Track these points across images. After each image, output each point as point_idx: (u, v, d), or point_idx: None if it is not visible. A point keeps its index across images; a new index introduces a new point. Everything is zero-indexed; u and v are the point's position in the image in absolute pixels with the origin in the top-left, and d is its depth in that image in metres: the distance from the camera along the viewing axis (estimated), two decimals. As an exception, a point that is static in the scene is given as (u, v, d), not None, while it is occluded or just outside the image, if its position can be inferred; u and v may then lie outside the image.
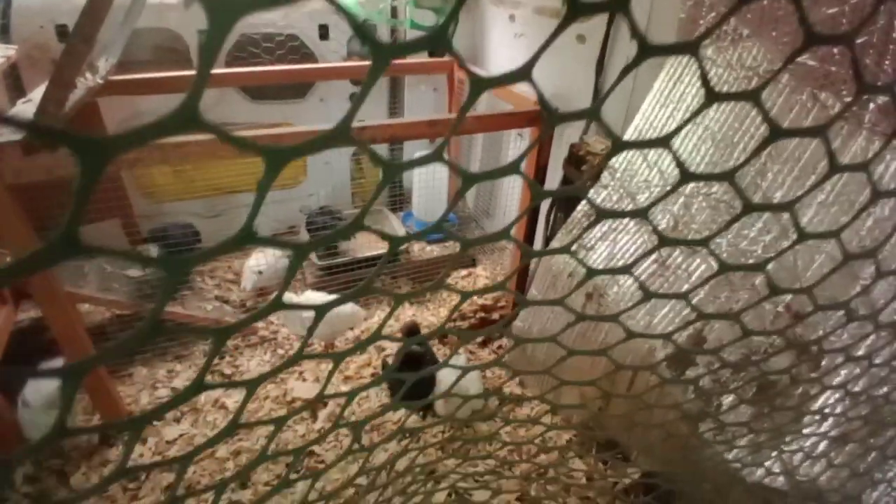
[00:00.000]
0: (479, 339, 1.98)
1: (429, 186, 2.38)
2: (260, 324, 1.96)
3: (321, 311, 0.43)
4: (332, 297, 0.43)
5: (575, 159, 1.62)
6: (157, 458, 1.44)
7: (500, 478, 1.36)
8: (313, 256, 2.09)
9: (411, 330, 1.76)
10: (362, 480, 1.35)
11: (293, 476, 1.37)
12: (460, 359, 1.78)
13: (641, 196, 1.42)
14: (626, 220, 1.40)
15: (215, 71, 1.90)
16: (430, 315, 2.06)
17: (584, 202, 1.48)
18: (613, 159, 1.47)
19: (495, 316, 2.03)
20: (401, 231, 2.28)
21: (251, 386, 0.45)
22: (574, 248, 1.38)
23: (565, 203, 1.70)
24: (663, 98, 1.42)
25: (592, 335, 1.39)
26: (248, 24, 2.04)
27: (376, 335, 0.53)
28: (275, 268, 2.10)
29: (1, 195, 1.10)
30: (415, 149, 2.54)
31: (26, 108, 1.24)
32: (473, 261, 2.40)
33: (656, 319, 1.29)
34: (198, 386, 0.39)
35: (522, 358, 1.70)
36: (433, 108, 2.46)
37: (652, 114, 1.42)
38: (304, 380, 1.69)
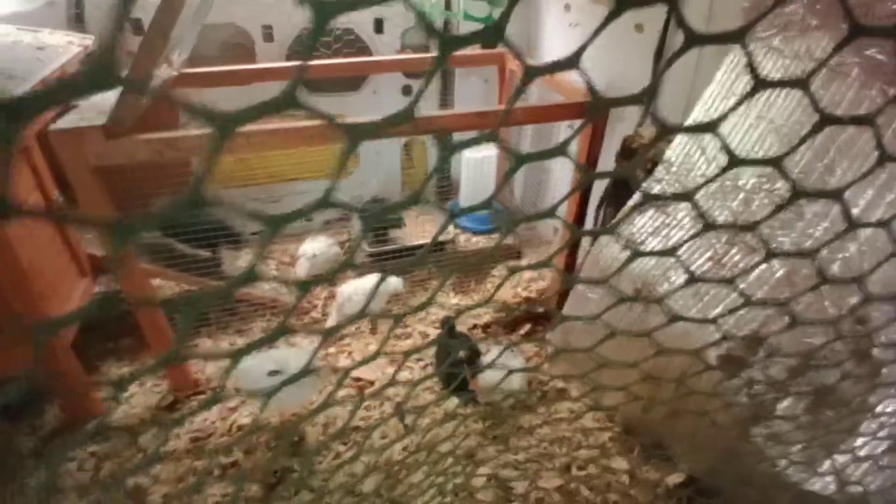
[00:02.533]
0: (523, 332, 1.98)
1: (476, 177, 2.39)
2: (307, 306, 2.05)
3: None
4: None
5: (628, 152, 1.58)
6: (225, 421, 1.56)
7: (540, 468, 1.38)
8: (363, 243, 2.16)
9: (451, 327, 1.78)
10: (403, 456, 1.40)
11: (341, 447, 1.44)
12: (512, 357, 1.78)
13: (699, 192, 1.37)
14: (679, 216, 1.36)
15: (277, 65, 2.00)
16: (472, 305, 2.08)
17: (636, 196, 1.45)
18: (670, 153, 1.42)
19: (540, 310, 2.02)
20: (449, 227, 2.30)
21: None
22: (623, 242, 1.35)
23: (615, 199, 1.67)
24: (724, 89, 1.37)
25: (642, 327, 1.37)
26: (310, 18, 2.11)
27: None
28: (327, 254, 2.18)
29: (85, 177, 1.21)
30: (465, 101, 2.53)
31: (106, 96, 1.35)
32: (519, 254, 2.40)
33: (706, 315, 1.25)
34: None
35: (565, 355, 1.69)
36: (483, 100, 2.46)
37: (712, 105, 1.36)
38: (353, 359, 1.76)
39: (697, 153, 1.39)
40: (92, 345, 1.81)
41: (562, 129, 2.16)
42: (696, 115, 1.38)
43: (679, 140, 1.41)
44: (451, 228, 2.27)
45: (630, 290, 1.39)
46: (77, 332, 1.52)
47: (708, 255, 1.29)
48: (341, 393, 1.64)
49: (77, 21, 1.84)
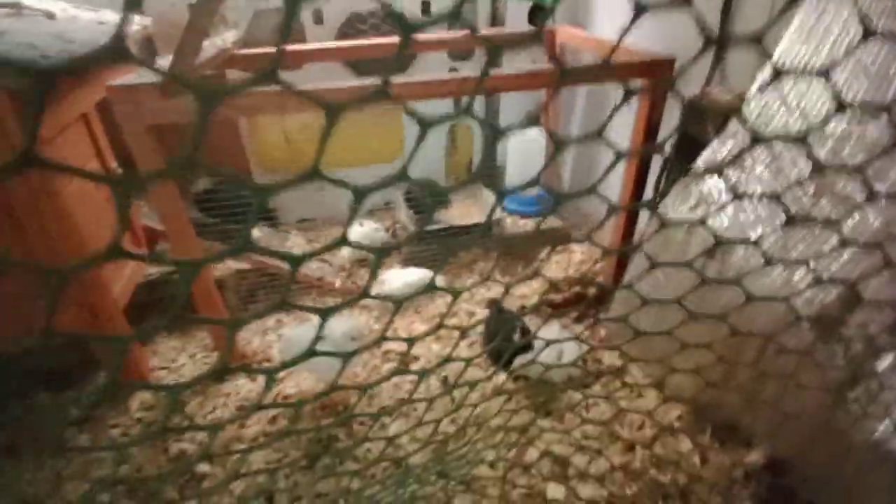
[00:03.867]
0: (575, 314, 1.87)
1: (523, 159, 2.32)
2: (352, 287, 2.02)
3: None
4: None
5: (696, 112, 1.47)
6: (272, 391, 1.53)
7: (600, 446, 1.27)
8: (407, 222, 2.13)
9: (499, 308, 1.71)
10: (452, 429, 1.32)
11: (386, 418, 1.38)
12: (553, 328, 1.70)
13: (780, 146, 1.25)
14: (758, 170, 1.24)
15: (327, 45, 2.01)
16: (522, 286, 2.00)
17: (705, 153, 1.34)
18: (744, 106, 1.31)
19: (593, 292, 1.92)
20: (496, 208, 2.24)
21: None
22: (695, 204, 1.24)
23: (679, 163, 1.55)
24: (805, 33, 1.25)
25: (711, 298, 1.25)
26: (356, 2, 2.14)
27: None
28: (371, 238, 2.16)
29: (141, 135, 1.23)
30: (513, 105, 2.47)
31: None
32: (569, 238, 2.29)
33: (797, 277, 1.12)
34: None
35: (624, 328, 1.57)
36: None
37: (791, 50, 1.24)
38: (397, 334, 1.71)
39: (777, 104, 1.27)
40: (145, 318, 1.85)
41: (612, 100, 2.07)
42: (775, 63, 1.26)
43: (755, 90, 1.30)
44: (497, 210, 2.20)
45: (702, 255, 1.27)
46: (130, 304, 1.54)
47: (793, 210, 1.16)
48: (387, 366, 1.59)
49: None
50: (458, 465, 1.22)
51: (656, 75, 1.47)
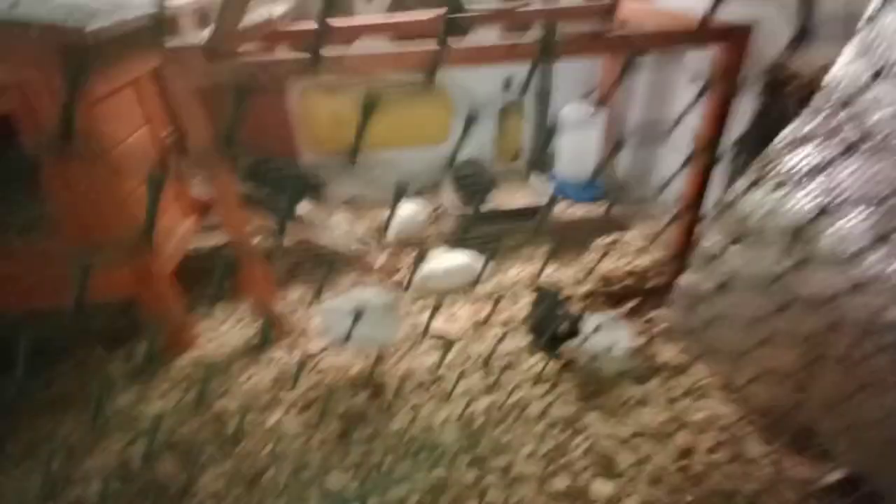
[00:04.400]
0: (627, 308, 1.75)
1: (577, 144, 2.20)
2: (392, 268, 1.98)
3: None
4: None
5: (776, 86, 1.32)
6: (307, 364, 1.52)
7: (654, 446, 1.16)
8: (452, 205, 2.06)
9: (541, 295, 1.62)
10: (492, 414, 1.25)
11: (418, 399, 1.32)
12: (605, 320, 1.58)
13: (873, 116, 1.09)
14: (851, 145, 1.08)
15: (377, 19, 1.98)
16: (569, 271, 1.89)
17: (786, 131, 1.19)
18: (830, 76, 1.15)
19: (649, 286, 1.78)
20: (544, 191, 2.14)
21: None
22: (774, 183, 1.11)
23: (755, 144, 1.40)
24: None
25: (794, 286, 1.11)
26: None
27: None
28: (413, 218, 2.12)
29: (188, 96, 1.22)
30: (567, 87, 2.35)
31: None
32: (625, 228, 2.15)
33: (893, 266, 0.97)
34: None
35: (689, 321, 1.44)
36: (589, 61, 2.26)
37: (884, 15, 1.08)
38: (437, 317, 1.65)
39: (867, 73, 1.11)
40: (191, 287, 1.88)
41: (679, 81, 1.92)
42: (863, 32, 1.10)
43: (843, 62, 1.14)
44: (545, 195, 2.10)
45: (780, 243, 1.13)
46: (177, 273, 1.57)
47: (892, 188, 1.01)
48: (424, 346, 1.53)
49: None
50: (494, 452, 1.15)
51: (733, 43, 1.33)
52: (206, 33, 1.23)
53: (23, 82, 1.12)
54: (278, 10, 1.76)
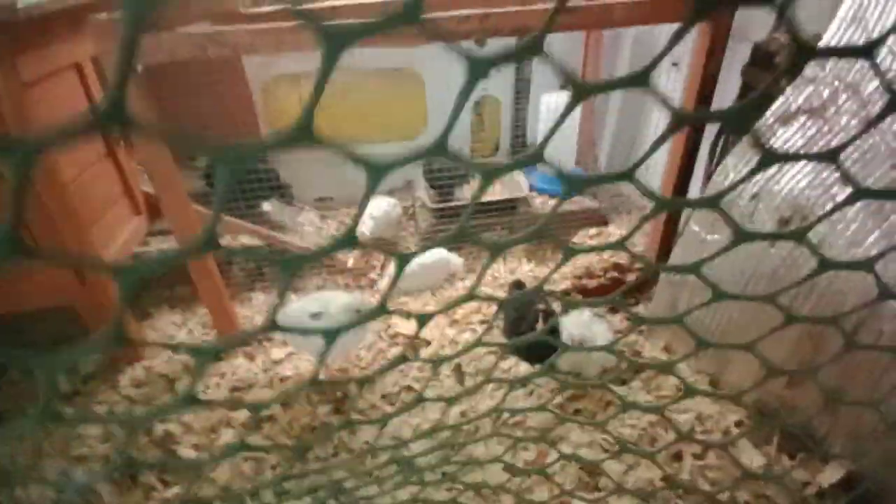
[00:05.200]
0: (609, 304, 1.65)
1: (556, 135, 2.10)
2: (365, 267, 1.87)
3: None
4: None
5: (762, 59, 1.24)
6: (267, 373, 1.40)
7: (639, 452, 1.06)
8: (427, 199, 1.96)
9: (518, 287, 1.52)
10: (463, 423, 1.14)
11: (388, 408, 1.21)
12: (584, 314, 1.49)
13: (868, 86, 1.01)
14: (843, 120, 1.00)
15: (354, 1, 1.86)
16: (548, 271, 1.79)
17: (776, 104, 1.10)
18: (823, 44, 1.07)
19: (631, 278, 1.69)
20: (523, 184, 2.04)
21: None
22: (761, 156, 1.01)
23: (742, 121, 1.32)
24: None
25: (787, 276, 1.02)
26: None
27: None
28: (389, 215, 2.01)
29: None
30: (546, 74, 2.25)
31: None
32: (605, 221, 2.07)
33: (891, 247, 0.88)
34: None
35: (672, 315, 1.34)
36: (567, 37, 2.17)
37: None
38: (410, 319, 1.54)
39: (862, 39, 1.02)
40: (147, 292, 1.75)
41: (663, 68, 1.83)
42: None
43: (835, 28, 1.06)
44: (524, 188, 2.00)
45: (772, 223, 1.05)
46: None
47: (889, 163, 0.92)
48: (393, 351, 1.42)
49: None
50: (467, 468, 1.04)
51: (714, 16, 1.24)
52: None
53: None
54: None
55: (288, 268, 0.35)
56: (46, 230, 1.20)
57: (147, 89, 1.18)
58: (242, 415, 1.27)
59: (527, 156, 0.38)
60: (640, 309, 1.59)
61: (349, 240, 0.37)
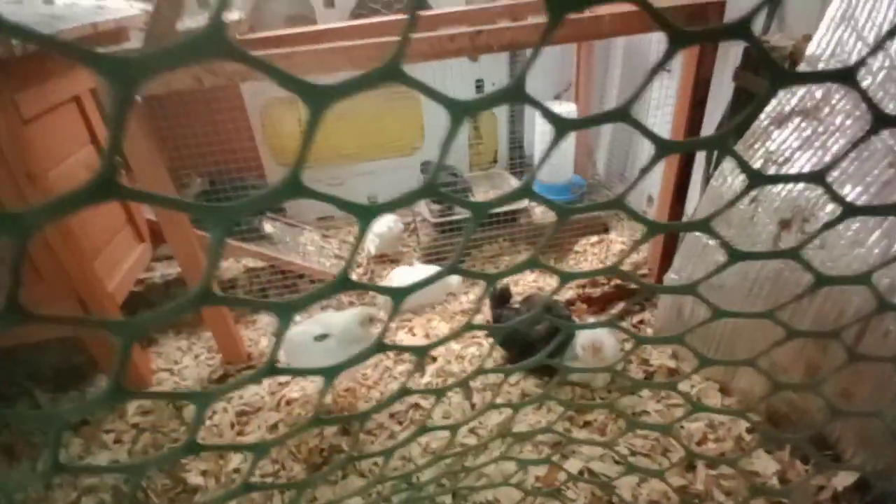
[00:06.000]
0: (615, 310, 1.64)
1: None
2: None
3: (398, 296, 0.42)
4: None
5: (754, 62, 1.24)
6: (274, 396, 1.39)
7: (652, 464, 1.04)
8: (427, 213, 1.96)
9: (503, 296, 1.49)
10: (471, 440, 1.13)
11: (396, 427, 1.20)
12: (606, 335, 1.47)
13: (862, 84, 1.01)
14: (838, 120, 1.00)
15: (338, 25, 1.89)
16: (552, 280, 1.79)
17: (770, 107, 1.11)
18: (814, 46, 1.07)
19: (634, 286, 1.68)
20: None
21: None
22: (759, 164, 1.02)
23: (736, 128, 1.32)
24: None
25: (790, 278, 1.01)
26: (369, -20, 2.01)
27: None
28: (392, 232, 2.01)
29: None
30: (538, 67, 2.26)
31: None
32: (606, 228, 2.07)
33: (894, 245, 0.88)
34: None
35: (677, 323, 1.34)
36: (560, 59, 2.20)
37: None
38: (414, 334, 1.54)
39: (852, 39, 1.03)
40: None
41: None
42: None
43: (824, 28, 1.06)
44: (525, 199, 2.00)
45: (773, 226, 1.04)
46: (136, 303, 1.44)
47: (887, 160, 0.92)
48: (399, 368, 1.41)
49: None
50: (480, 486, 1.03)
51: (705, 21, 1.25)
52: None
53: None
54: (230, 16, 1.67)
55: (286, 312, 0.35)
56: (50, 263, 1.21)
57: (147, 118, 1.19)
58: (252, 437, 1.26)
59: (518, 190, 0.38)
60: (646, 315, 1.58)
61: (343, 284, 0.37)
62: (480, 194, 2.16)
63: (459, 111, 0.32)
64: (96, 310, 1.31)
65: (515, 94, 0.33)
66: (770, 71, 0.32)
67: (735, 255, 0.44)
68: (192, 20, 1.48)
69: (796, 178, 0.41)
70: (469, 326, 0.50)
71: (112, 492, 1.17)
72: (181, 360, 1.58)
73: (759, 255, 0.46)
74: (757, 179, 0.39)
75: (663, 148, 0.36)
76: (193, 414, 0.38)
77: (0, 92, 1.07)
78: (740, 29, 0.30)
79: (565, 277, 0.47)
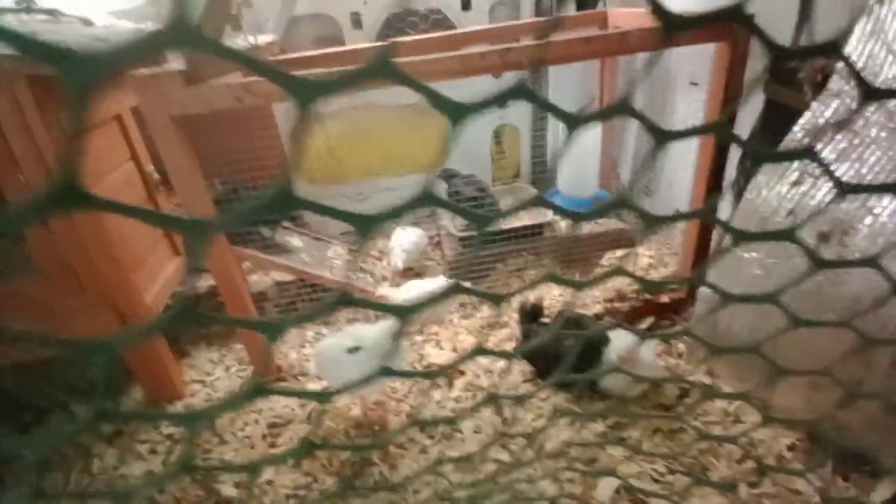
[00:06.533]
0: (645, 325, 1.62)
1: (577, 159, 2.12)
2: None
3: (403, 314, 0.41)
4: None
5: (785, 74, 1.24)
6: (304, 408, 1.40)
7: (690, 483, 1.02)
8: (452, 228, 1.98)
9: (534, 312, 1.48)
10: (504, 456, 1.12)
11: (427, 441, 1.20)
12: (619, 341, 1.46)
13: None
14: (873, 132, 0.99)
15: (364, 45, 1.94)
16: (582, 294, 1.78)
17: (804, 119, 1.10)
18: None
19: (664, 299, 1.66)
20: (545, 209, 2.05)
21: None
22: (797, 179, 1.01)
23: (769, 137, 1.31)
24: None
25: (832, 293, 0.99)
26: (395, 1, 2.07)
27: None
28: (417, 246, 2.03)
29: (167, 128, 1.16)
30: (562, 83, 2.28)
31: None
32: (632, 242, 2.05)
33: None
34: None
35: (712, 337, 1.31)
36: (581, 68, 2.21)
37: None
38: (441, 348, 1.54)
39: (882, 51, 1.02)
40: (184, 330, 1.79)
41: (677, 87, 1.85)
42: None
43: (854, 42, 1.06)
44: (548, 212, 2.01)
45: (812, 239, 1.03)
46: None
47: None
48: (427, 382, 1.41)
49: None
50: (512, 502, 1.02)
51: (734, 36, 1.25)
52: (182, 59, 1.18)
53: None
54: (264, 38, 1.73)
55: (273, 333, 0.35)
56: (91, 275, 1.26)
57: (187, 135, 1.23)
58: (283, 449, 1.27)
59: (531, 200, 0.39)
60: (678, 330, 1.56)
61: (342, 300, 0.36)
62: (505, 204, 2.17)
63: (460, 112, 0.32)
64: (134, 321, 1.34)
65: (520, 92, 0.34)
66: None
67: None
68: (231, 41, 1.54)
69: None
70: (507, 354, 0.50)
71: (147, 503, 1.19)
72: (213, 372, 1.61)
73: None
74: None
75: (662, 137, 0.36)
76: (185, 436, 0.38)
77: (46, 109, 1.12)
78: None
79: (580, 286, 0.47)
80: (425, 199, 0.34)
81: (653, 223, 0.45)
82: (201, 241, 0.29)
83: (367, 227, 0.33)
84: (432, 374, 0.49)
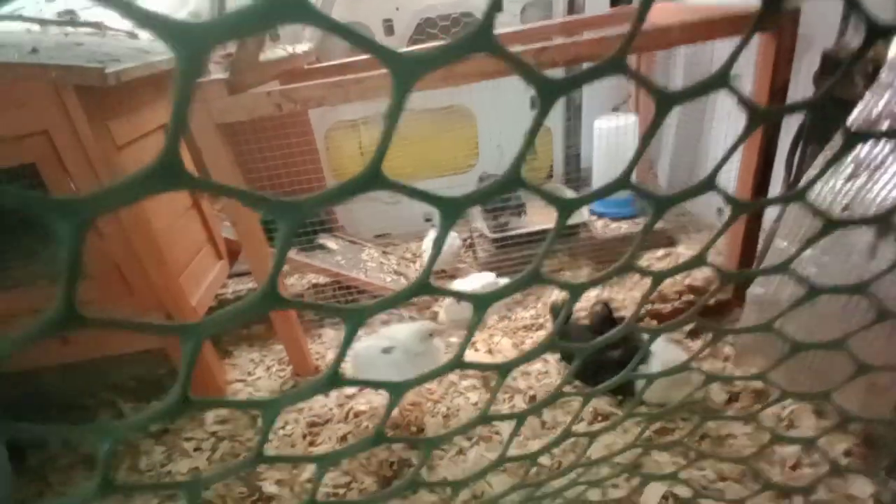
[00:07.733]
0: (688, 329, 1.57)
1: (611, 159, 2.08)
2: (428, 299, 1.89)
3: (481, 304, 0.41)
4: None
5: (833, 68, 1.18)
6: (342, 408, 1.42)
7: (742, 490, 0.98)
8: (485, 230, 1.97)
9: (604, 311, 1.46)
10: (545, 460, 1.11)
11: (465, 443, 1.20)
12: (660, 344, 1.42)
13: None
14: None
15: (398, 51, 1.97)
16: (620, 295, 1.74)
17: (856, 111, 1.05)
18: (895, 49, 1.01)
19: (710, 302, 1.61)
20: (582, 210, 2.02)
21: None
22: (853, 173, 0.96)
23: (820, 132, 1.26)
24: None
25: (893, 290, 0.93)
26: (427, 6, 2.08)
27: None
28: (451, 248, 2.04)
29: (210, 134, 1.20)
30: (595, 99, 2.25)
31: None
32: (672, 241, 2.00)
33: None
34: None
35: (762, 340, 1.26)
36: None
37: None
38: (477, 349, 1.53)
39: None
40: (226, 331, 1.85)
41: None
42: None
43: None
44: (584, 212, 1.98)
45: (869, 235, 0.97)
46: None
47: None
48: (464, 383, 1.41)
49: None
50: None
51: (779, 28, 1.20)
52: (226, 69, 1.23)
53: (45, 129, 1.11)
54: (301, 48, 1.78)
55: (353, 319, 0.35)
56: (140, 278, 1.31)
57: (228, 143, 1.28)
58: (322, 448, 1.29)
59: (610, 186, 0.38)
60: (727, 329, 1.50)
61: (422, 288, 0.37)
62: (536, 210, 2.15)
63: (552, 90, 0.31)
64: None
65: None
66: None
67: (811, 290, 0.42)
68: (270, 51, 1.58)
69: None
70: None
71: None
72: (254, 372, 1.65)
73: (833, 290, 0.44)
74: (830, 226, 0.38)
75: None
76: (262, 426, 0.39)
77: (95, 118, 1.15)
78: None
79: (658, 277, 0.45)
80: (511, 184, 0.34)
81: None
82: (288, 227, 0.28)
83: (451, 210, 0.34)
84: (502, 366, 0.49)
